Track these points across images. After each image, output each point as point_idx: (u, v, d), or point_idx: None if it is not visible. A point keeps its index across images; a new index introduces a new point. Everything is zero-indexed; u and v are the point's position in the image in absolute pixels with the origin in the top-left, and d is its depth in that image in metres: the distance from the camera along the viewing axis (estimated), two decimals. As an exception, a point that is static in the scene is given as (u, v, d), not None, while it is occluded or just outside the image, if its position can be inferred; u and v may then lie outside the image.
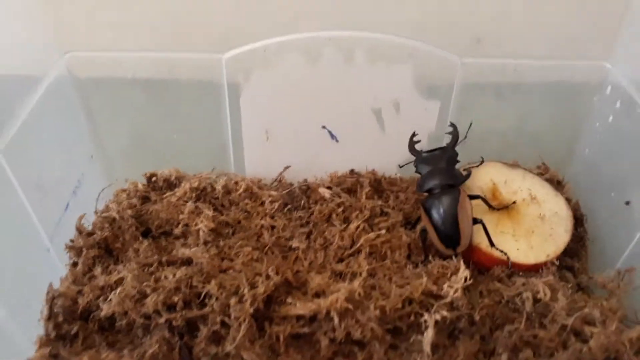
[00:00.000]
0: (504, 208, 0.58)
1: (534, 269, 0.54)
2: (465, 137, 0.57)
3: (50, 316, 0.48)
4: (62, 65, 0.56)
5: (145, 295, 0.48)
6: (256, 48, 0.58)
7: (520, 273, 0.54)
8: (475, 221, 0.54)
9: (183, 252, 0.54)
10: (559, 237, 0.56)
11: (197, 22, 0.59)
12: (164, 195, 0.63)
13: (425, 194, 0.56)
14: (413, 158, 0.59)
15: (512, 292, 0.51)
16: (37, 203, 0.50)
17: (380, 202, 0.62)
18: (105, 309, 0.47)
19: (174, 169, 0.65)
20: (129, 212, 0.59)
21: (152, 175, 0.64)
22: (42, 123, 0.52)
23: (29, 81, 0.51)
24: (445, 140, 0.60)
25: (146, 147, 0.66)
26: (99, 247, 0.56)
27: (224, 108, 0.62)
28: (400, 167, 0.60)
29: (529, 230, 0.56)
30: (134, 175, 0.65)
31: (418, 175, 0.65)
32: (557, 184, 0.65)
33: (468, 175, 0.57)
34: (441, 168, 0.55)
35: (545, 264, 0.54)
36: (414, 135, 0.59)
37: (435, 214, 0.54)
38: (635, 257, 0.54)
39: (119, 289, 0.48)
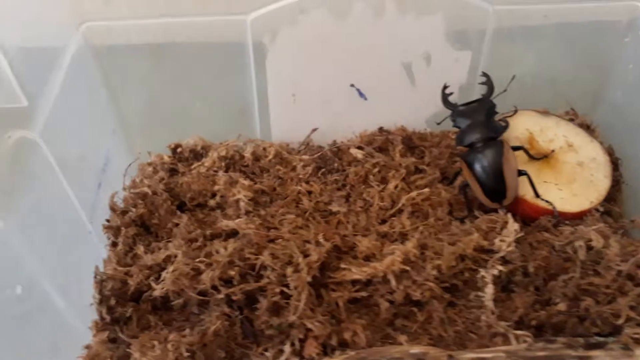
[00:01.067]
0: (544, 157, 0.57)
1: (579, 217, 0.54)
2: (506, 89, 0.56)
3: (102, 300, 0.47)
4: (79, 37, 0.53)
5: (199, 272, 0.47)
6: (283, 6, 0.55)
7: (566, 222, 0.54)
8: (520, 173, 0.54)
9: (227, 224, 0.52)
10: (599, 182, 0.56)
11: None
12: (192, 167, 0.61)
13: (466, 148, 0.55)
14: (446, 112, 0.57)
15: (562, 241, 0.51)
16: (74, 184, 0.48)
17: (414, 159, 0.61)
18: (159, 289, 0.46)
19: (199, 138, 0.63)
20: (160, 186, 0.57)
21: (177, 146, 0.62)
22: (69, 98, 0.48)
23: (50, 54, 0.48)
24: (478, 91, 0.58)
25: (167, 117, 0.63)
26: (136, 225, 0.54)
27: (249, 71, 0.59)
28: (438, 123, 0.58)
29: (570, 178, 0.56)
30: (157, 147, 0.62)
31: (448, 129, 0.64)
32: (588, 129, 0.64)
33: (507, 126, 0.56)
34: (481, 120, 0.54)
35: (589, 210, 0.54)
36: (445, 87, 0.57)
37: (479, 168, 0.53)
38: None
39: (170, 268, 0.47)
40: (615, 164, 0.60)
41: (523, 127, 0.59)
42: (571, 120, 0.64)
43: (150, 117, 0.64)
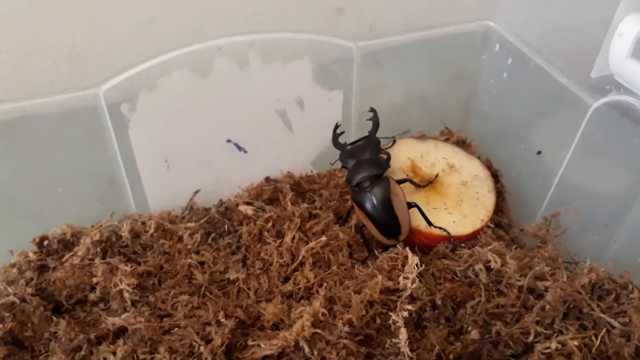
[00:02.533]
0: (429, 183, 0.57)
1: (473, 237, 0.55)
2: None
3: None
4: None
5: (86, 392, 0.41)
6: (138, 72, 0.50)
7: (462, 244, 0.54)
8: (410, 205, 0.54)
9: (112, 321, 0.46)
10: (485, 199, 0.57)
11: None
12: (64, 259, 0.54)
13: (355, 188, 0.54)
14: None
15: (462, 266, 0.51)
16: None
17: (306, 205, 0.59)
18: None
19: (67, 225, 0.56)
20: (29, 289, 0.50)
21: (43, 238, 0.55)
22: None
23: None
24: (357, 127, 0.58)
25: (27, 206, 0.56)
26: (7, 343, 0.46)
27: (111, 145, 0.54)
28: (332, 164, 0.57)
29: (457, 199, 0.57)
30: (19, 244, 0.55)
31: (332, 167, 0.63)
32: (463, 144, 0.66)
33: (389, 159, 0.55)
34: (366, 159, 0.53)
35: (481, 229, 0.55)
36: (337, 127, 0.56)
37: (370, 207, 0.52)
38: (555, 204, 0.57)
39: (51, 393, 0.41)
40: (495, 176, 0.62)
41: (404, 156, 0.60)
42: (447, 139, 0.66)
43: (6, 209, 0.56)
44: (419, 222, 0.54)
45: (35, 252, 0.54)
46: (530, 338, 0.46)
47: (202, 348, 0.43)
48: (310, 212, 0.59)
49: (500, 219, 0.60)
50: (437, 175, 0.58)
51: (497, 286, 0.50)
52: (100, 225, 0.56)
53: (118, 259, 0.53)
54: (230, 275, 0.53)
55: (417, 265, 0.50)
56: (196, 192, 0.60)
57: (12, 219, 0.57)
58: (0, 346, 0.46)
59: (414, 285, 0.48)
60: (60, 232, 0.55)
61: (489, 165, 0.63)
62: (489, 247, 0.51)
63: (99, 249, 0.54)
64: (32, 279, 0.52)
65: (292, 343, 0.45)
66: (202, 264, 0.54)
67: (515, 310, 0.48)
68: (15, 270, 0.53)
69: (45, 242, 0.55)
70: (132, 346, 0.43)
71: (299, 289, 0.51)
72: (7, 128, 0.52)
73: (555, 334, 0.46)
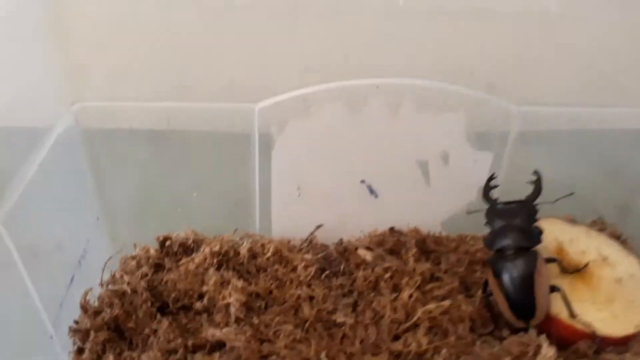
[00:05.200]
0: (577, 271, 0.51)
1: (622, 342, 0.47)
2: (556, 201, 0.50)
3: None
4: (69, 117, 0.48)
5: (174, 395, 0.39)
6: (293, 97, 0.51)
7: (609, 348, 0.46)
8: (553, 289, 0.47)
9: (213, 333, 0.45)
10: (641, 303, 0.49)
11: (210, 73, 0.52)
12: (180, 262, 0.54)
13: (495, 252, 0.49)
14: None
15: (606, 372, 0.44)
16: (38, 278, 0.41)
17: (429, 265, 0.54)
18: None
19: (191, 231, 0.56)
20: (142, 283, 0.50)
21: (166, 238, 0.56)
22: (47, 181, 0.43)
23: (34, 134, 0.43)
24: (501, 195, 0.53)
25: (159, 206, 0.58)
26: (109, 329, 0.47)
27: (253, 162, 0.54)
28: (469, 213, 0.52)
29: (609, 296, 0.49)
30: (144, 239, 0.56)
31: (466, 233, 0.59)
32: (618, 240, 0.58)
33: (541, 234, 0.49)
34: (517, 225, 0.48)
35: (634, 335, 0.47)
36: (491, 178, 0.51)
37: (507, 279, 0.47)
38: None
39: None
40: (655, 281, 0.53)
41: (551, 236, 0.54)
42: (600, 230, 0.58)
43: (141, 206, 0.59)
44: (559, 310, 0.48)
45: (156, 250, 0.55)
46: None
47: (298, 384, 0.40)
48: (432, 273, 0.54)
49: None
50: (587, 264, 0.51)
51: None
52: (222, 238, 0.56)
53: (232, 273, 0.52)
54: (338, 317, 0.49)
55: (552, 357, 0.43)
56: (318, 226, 0.58)
57: (144, 215, 0.59)
58: (102, 330, 0.46)
59: (547, 379, 0.42)
60: (183, 236, 0.56)
61: (648, 269, 0.54)
62: (643, 358, 0.43)
63: (215, 260, 0.53)
64: (146, 275, 0.52)
65: (395, 406, 0.40)
66: (311, 298, 0.51)
67: None
68: (134, 262, 0.54)
69: (167, 243, 0.56)
70: (227, 362, 0.41)
71: (410, 351, 0.46)
72: (158, 135, 0.55)
73: None
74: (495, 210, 0.49)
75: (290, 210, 0.57)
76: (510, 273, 0.47)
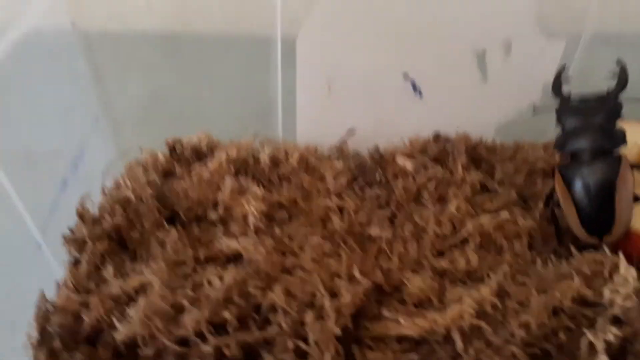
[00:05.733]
0: None
1: None
2: None
3: (43, 340, 0.33)
4: (65, 15, 0.41)
5: (181, 310, 0.33)
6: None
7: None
8: (637, 199, 0.39)
9: (228, 244, 0.38)
10: None
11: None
12: (193, 169, 0.47)
13: (567, 155, 0.40)
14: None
15: (699, 297, 0.36)
16: (25, 181, 0.35)
17: (481, 175, 0.46)
18: (122, 331, 0.32)
19: (204, 134, 0.49)
20: (149, 190, 0.44)
21: (177, 142, 0.49)
22: (42, 80, 0.36)
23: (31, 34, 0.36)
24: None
25: (170, 109, 0.51)
26: (110, 239, 0.41)
27: (274, 53, 0.46)
28: (535, 114, 0.44)
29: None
30: (151, 142, 0.49)
31: (525, 139, 0.50)
32: None
33: (625, 135, 0.40)
34: (597, 124, 0.39)
35: None
36: (563, 69, 0.42)
37: (580, 188, 0.39)
38: None
39: (141, 301, 0.33)
40: None
41: (631, 140, 0.44)
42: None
43: (147, 109, 0.52)
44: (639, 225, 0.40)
45: (165, 155, 0.48)
46: None
47: (326, 301, 0.33)
48: (484, 184, 0.46)
49: None
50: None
51: None
52: (240, 143, 0.48)
53: (251, 181, 0.45)
54: (373, 230, 0.42)
55: (634, 278, 0.35)
56: (351, 130, 0.50)
57: (153, 118, 0.52)
58: (102, 239, 0.40)
59: (627, 304, 0.34)
60: (196, 140, 0.49)
61: None
62: None
63: (232, 168, 0.47)
64: (154, 182, 0.46)
65: (443, 330, 0.33)
66: (342, 209, 0.44)
67: None
68: (140, 168, 0.47)
69: (178, 147, 0.49)
70: (244, 275, 0.35)
71: (457, 269, 0.39)
72: (172, 38, 0.47)
73: None
74: (568, 107, 0.40)
75: (318, 112, 0.49)
76: (586, 179, 0.38)
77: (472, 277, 0.39)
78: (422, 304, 0.36)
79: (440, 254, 0.41)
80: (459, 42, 0.46)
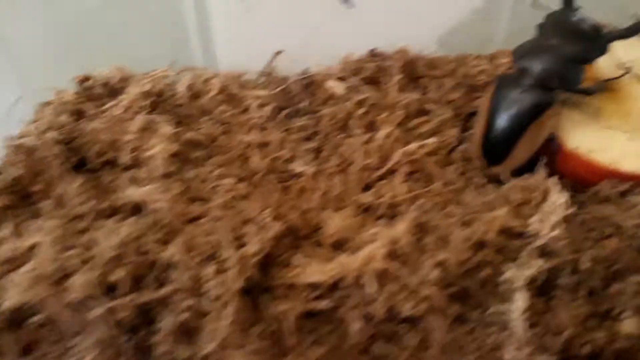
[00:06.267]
0: (605, 82, 0.38)
1: (659, 182, 0.36)
2: None
3: None
4: None
5: (69, 273, 0.31)
6: None
7: (638, 189, 0.36)
8: (550, 139, 0.36)
9: (130, 193, 0.35)
10: (693, 130, 0.37)
11: None
12: (105, 107, 0.43)
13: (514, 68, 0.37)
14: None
15: (636, 219, 0.34)
16: None
17: (417, 96, 0.43)
18: (9, 299, 0.30)
19: (117, 68, 0.45)
20: (55, 134, 0.40)
21: (86, 78, 0.45)
22: None
23: None
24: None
25: (73, 40, 0.46)
26: (11, 192, 0.38)
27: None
28: (534, 7, 0.38)
29: (646, 122, 0.37)
30: (59, 81, 0.45)
31: (470, 52, 0.46)
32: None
33: (590, 93, 0.36)
34: (564, 55, 0.35)
35: (677, 173, 0.36)
36: None
37: (498, 106, 0.36)
38: None
39: (29, 265, 0.31)
40: None
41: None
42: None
43: (51, 41, 0.47)
44: (578, 143, 0.36)
45: (75, 93, 0.44)
46: None
47: (230, 252, 0.31)
48: (421, 105, 0.43)
49: None
50: (620, 77, 0.38)
51: (688, 262, 0.32)
52: (155, 75, 0.44)
53: (166, 117, 0.42)
54: (296, 166, 0.39)
55: (563, 204, 0.33)
56: (277, 53, 0.46)
57: (62, 53, 0.47)
58: (1, 194, 0.37)
59: (554, 233, 0.32)
60: (107, 75, 0.45)
61: None
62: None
63: (147, 103, 0.43)
64: (63, 125, 0.42)
65: (354, 274, 0.31)
66: (264, 145, 0.41)
67: None
68: (49, 110, 0.43)
69: (89, 83, 0.45)
70: (141, 228, 0.32)
71: (382, 203, 0.37)
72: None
73: None
74: (562, 19, 0.35)
75: (239, 33, 0.45)
76: (509, 101, 0.35)
77: (397, 211, 0.37)
78: (340, 245, 0.34)
79: (366, 188, 0.39)
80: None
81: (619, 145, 0.36)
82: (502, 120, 0.35)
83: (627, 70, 0.38)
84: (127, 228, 0.32)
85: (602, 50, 0.35)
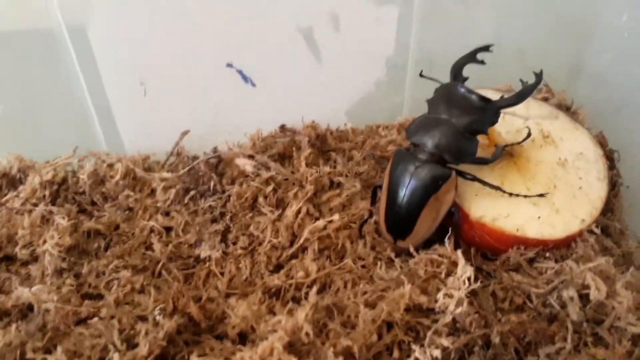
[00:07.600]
0: (505, 147, 0.38)
1: (566, 244, 0.36)
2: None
3: None
4: None
5: None
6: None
7: (547, 254, 0.36)
8: (451, 213, 0.36)
9: (19, 294, 0.33)
10: (591, 189, 0.38)
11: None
12: (5, 199, 0.41)
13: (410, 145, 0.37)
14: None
15: (542, 287, 0.33)
16: None
17: (327, 169, 0.42)
18: None
19: (15, 156, 0.43)
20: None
21: (-17, 169, 0.43)
22: None
23: None
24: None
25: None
26: None
27: (69, 59, 0.40)
28: (422, 76, 0.38)
29: (548, 184, 0.38)
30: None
31: (380, 123, 0.47)
32: (567, 111, 0.46)
33: (474, 154, 0.36)
34: (457, 129, 0.35)
35: (580, 233, 0.36)
36: (486, 47, 0.37)
37: (397, 181, 0.35)
38: None
39: None
40: (610, 159, 0.42)
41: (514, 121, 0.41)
42: (545, 100, 0.46)
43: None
44: (484, 213, 0.36)
45: (-28, 186, 0.42)
46: None
47: (116, 356, 0.29)
48: (331, 178, 0.42)
49: (610, 223, 0.40)
50: (521, 142, 0.39)
51: (594, 328, 0.31)
52: (57, 162, 0.42)
53: (66, 208, 0.39)
54: (202, 251, 0.38)
55: (469, 279, 0.32)
56: (185, 132, 0.45)
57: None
58: None
59: (460, 310, 0.31)
60: (5, 164, 0.43)
61: (602, 143, 0.43)
62: (589, 265, 0.33)
63: (47, 193, 0.41)
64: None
65: (253, 370, 0.29)
66: (168, 230, 0.39)
67: (622, 375, 0.29)
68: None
69: (-15, 175, 0.42)
70: (21, 337, 0.29)
71: (292, 285, 0.35)
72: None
73: None
74: (448, 91, 0.36)
75: (141, 116, 0.44)
76: (406, 177, 0.35)
77: (308, 291, 0.35)
78: (245, 336, 0.32)
79: (277, 268, 0.37)
80: (284, 20, 0.41)
81: (523, 211, 0.36)
82: (402, 196, 0.35)
83: (527, 135, 0.38)
84: (10, 334, 0.29)
85: (494, 120, 0.36)
